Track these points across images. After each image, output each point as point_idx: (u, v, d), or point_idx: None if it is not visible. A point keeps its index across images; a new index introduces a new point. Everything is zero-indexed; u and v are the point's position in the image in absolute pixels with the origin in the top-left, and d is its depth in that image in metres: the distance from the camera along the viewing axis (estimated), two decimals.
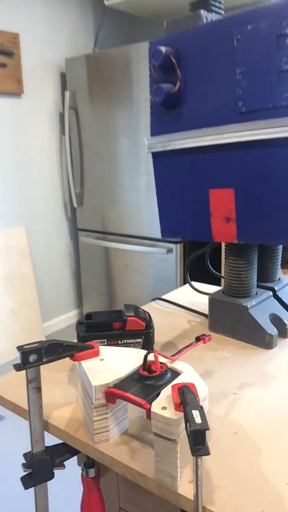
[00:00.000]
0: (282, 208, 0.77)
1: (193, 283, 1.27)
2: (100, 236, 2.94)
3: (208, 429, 0.43)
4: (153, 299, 1.15)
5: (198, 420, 0.44)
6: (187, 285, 1.26)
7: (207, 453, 0.43)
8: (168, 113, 0.87)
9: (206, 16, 0.87)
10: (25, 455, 0.65)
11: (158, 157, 0.92)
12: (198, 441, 0.43)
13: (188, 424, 0.45)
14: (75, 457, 0.77)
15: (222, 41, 0.79)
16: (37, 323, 2.84)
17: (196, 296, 1.18)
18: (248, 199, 0.81)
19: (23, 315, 2.77)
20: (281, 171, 0.75)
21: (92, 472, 0.70)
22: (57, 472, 0.67)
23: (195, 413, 0.45)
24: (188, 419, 0.45)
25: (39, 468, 0.64)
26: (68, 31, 2.91)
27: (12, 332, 2.69)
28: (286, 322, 0.92)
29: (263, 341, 0.87)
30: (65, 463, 0.67)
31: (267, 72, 0.74)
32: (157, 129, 0.90)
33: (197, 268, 1.34)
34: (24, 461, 0.65)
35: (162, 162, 0.91)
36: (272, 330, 0.88)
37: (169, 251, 2.63)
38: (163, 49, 0.83)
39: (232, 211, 0.84)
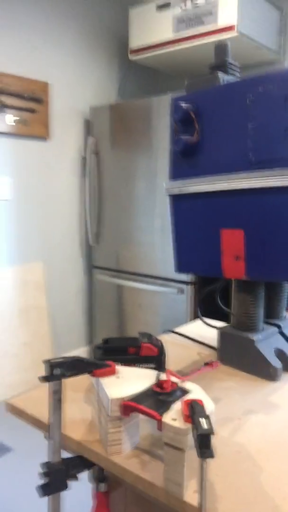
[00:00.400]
0: (286, 248, 0.84)
1: (204, 319, 1.33)
2: (114, 274, 3.02)
3: (213, 433, 0.49)
4: (165, 331, 1.21)
5: (204, 426, 0.50)
6: (198, 320, 1.32)
7: (212, 455, 0.49)
8: (185, 161, 0.97)
9: (223, 77, 0.99)
10: (43, 464, 0.70)
11: (176, 199, 1.01)
12: (204, 445, 0.49)
13: (195, 429, 0.51)
14: (86, 473, 0.82)
15: (236, 100, 0.89)
16: (48, 357, 2.89)
17: (206, 330, 1.24)
18: (256, 239, 0.88)
19: (35, 348, 2.82)
20: (286, 215, 0.83)
21: (102, 487, 0.74)
22: (68, 487, 0.71)
23: (202, 420, 0.51)
24: (196, 425, 0.51)
25: (55, 478, 0.69)
26: (94, 82, 3.13)
27: (24, 365, 2.74)
28: None
29: (268, 373, 0.92)
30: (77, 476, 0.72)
31: (275, 128, 0.84)
32: (175, 174, 1.00)
33: (208, 306, 1.40)
34: (42, 471, 0.70)
35: (179, 204, 1.00)
36: (276, 363, 0.93)
37: (181, 291, 2.69)
38: (183, 105, 0.94)
39: (242, 250, 0.91)
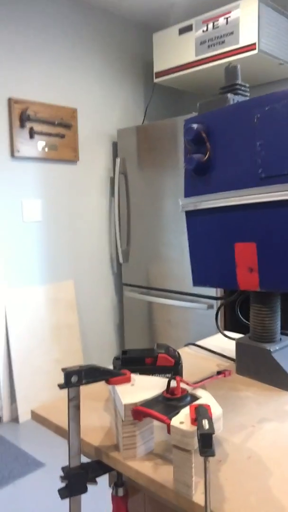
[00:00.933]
0: None
1: (229, 332, 1.35)
2: (144, 291, 3.07)
3: (213, 433, 0.52)
4: (186, 345, 1.24)
5: (206, 426, 0.53)
6: (219, 334, 1.34)
7: (212, 454, 0.52)
8: (199, 178, 1.01)
9: (233, 98, 1.03)
10: (63, 468, 0.74)
11: (191, 215, 1.05)
12: (206, 444, 0.52)
13: (198, 430, 0.54)
14: (106, 479, 0.85)
15: (244, 119, 0.93)
16: None
17: (227, 343, 1.26)
18: (268, 252, 0.91)
19: (67, 365, 2.88)
20: None
21: (121, 491, 0.78)
22: (88, 492, 0.75)
23: (205, 422, 0.54)
24: (198, 426, 0.54)
25: (74, 481, 0.73)
26: (121, 105, 3.24)
27: (56, 382, 2.80)
28: None
29: (285, 383, 0.94)
30: (97, 480, 0.76)
31: (282, 144, 0.87)
32: (189, 192, 1.04)
33: (234, 320, 1.42)
34: (62, 474, 0.74)
35: (194, 220, 1.04)
36: None
37: (210, 307, 2.70)
38: (195, 126, 0.99)
39: (255, 262, 0.94)
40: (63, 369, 0.72)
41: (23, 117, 2.62)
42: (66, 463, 0.74)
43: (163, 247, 2.90)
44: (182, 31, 2.92)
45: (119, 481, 0.78)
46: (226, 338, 1.29)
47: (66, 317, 2.92)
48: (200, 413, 0.57)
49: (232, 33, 2.67)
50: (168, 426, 0.62)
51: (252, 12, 2.56)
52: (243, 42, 2.62)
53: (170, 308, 2.92)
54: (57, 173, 2.88)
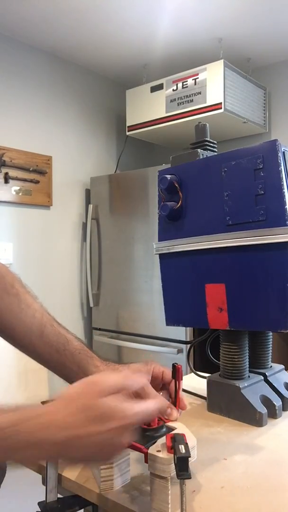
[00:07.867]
0: (262, 300, 0.93)
1: (202, 373, 1.39)
2: (114, 335, 3.08)
3: (190, 456, 0.56)
4: None
5: (182, 450, 0.57)
6: (192, 374, 1.38)
7: (188, 477, 0.55)
8: (172, 224, 1.09)
9: (202, 153, 1.13)
10: (39, 503, 0.75)
11: (164, 258, 1.12)
12: (182, 467, 0.56)
13: (175, 455, 0.58)
14: None
15: (213, 171, 1.03)
16: None
17: (199, 383, 1.30)
18: (236, 292, 0.98)
19: None
20: (260, 270, 0.93)
21: None
22: None
23: (181, 446, 0.58)
24: (175, 450, 0.58)
25: None
26: (94, 155, 3.38)
27: None
28: (275, 404, 1.03)
29: (254, 419, 0.98)
30: None
31: (247, 195, 0.97)
32: (163, 236, 1.11)
33: (206, 362, 1.46)
34: (39, 509, 0.74)
35: (167, 262, 1.11)
36: (262, 408, 0.99)
37: (180, 351, 2.74)
38: (168, 176, 1.08)
39: (224, 302, 1.01)
40: None
41: None
42: None
43: (134, 292, 2.95)
44: (153, 89, 3.12)
45: None
46: (196, 379, 1.33)
47: (34, 361, 2.87)
48: (176, 440, 0.61)
49: (200, 93, 2.88)
50: (146, 455, 0.65)
51: (218, 75, 2.79)
52: (210, 101, 2.83)
53: (140, 353, 2.94)
54: (30, 217, 2.93)
